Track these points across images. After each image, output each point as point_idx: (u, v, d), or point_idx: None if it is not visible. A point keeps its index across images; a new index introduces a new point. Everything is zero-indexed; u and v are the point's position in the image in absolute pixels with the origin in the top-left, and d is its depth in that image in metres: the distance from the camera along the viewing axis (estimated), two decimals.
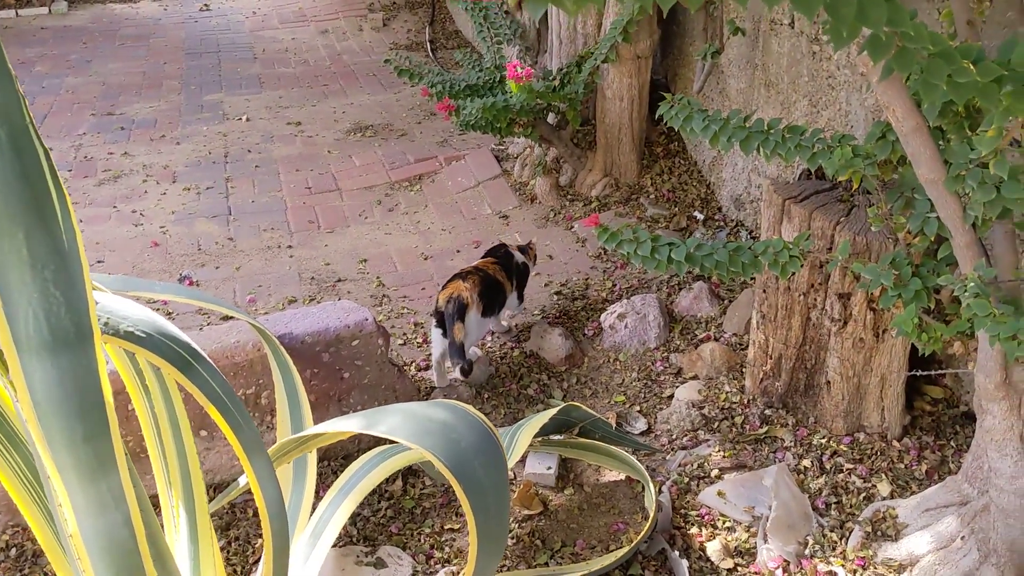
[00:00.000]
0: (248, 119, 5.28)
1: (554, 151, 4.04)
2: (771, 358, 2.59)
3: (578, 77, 3.60)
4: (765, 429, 2.59)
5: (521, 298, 3.12)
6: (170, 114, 5.40)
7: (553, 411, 2.36)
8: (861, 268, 1.94)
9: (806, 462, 2.47)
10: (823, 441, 2.52)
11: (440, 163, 4.42)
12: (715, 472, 2.47)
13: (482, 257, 3.10)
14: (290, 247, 3.80)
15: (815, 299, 2.41)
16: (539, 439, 2.50)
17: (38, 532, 1.66)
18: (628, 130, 3.79)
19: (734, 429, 2.62)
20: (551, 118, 3.88)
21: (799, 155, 1.96)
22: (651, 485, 2.27)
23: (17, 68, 6.32)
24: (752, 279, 3.23)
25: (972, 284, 1.54)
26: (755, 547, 2.23)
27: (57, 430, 1.27)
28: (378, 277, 3.56)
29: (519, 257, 3.08)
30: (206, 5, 8.29)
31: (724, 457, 2.52)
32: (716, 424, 2.64)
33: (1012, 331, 1.45)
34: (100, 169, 4.55)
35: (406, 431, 1.51)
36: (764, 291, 2.54)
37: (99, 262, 3.64)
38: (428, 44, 6.79)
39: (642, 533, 2.16)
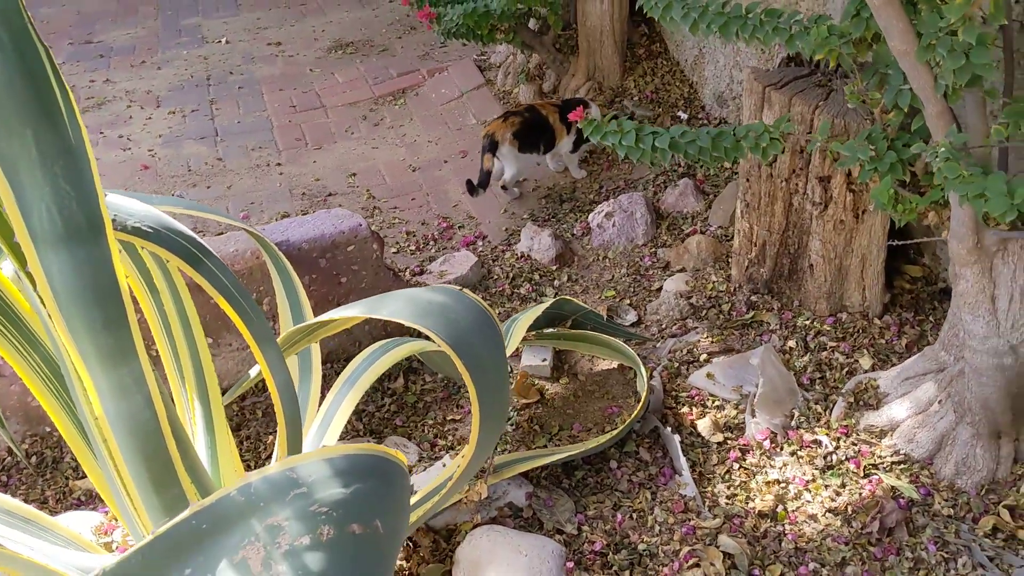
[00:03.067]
0: (227, 41, 5.25)
1: (536, 57, 4.05)
2: (756, 245, 2.67)
3: None
4: (751, 314, 2.68)
5: (576, 148, 3.45)
6: (148, 40, 5.36)
7: (546, 304, 2.44)
8: (839, 146, 2.00)
9: (791, 343, 2.56)
10: (807, 323, 2.61)
11: (423, 76, 4.42)
12: (703, 356, 2.57)
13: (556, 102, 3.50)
14: (279, 164, 3.83)
15: (796, 184, 2.48)
16: (533, 333, 2.58)
17: (60, 425, 1.74)
18: (610, 33, 3.80)
19: (721, 316, 2.71)
20: (532, 24, 3.88)
21: (777, 37, 2.01)
22: (642, 368, 2.36)
23: None
24: (735, 171, 3.29)
25: (943, 149, 1.60)
26: (743, 422, 2.33)
27: (77, 319, 1.34)
28: (368, 190, 3.61)
29: (594, 111, 3.38)
30: None
31: (712, 342, 2.61)
32: (704, 312, 2.73)
33: (979, 190, 1.52)
34: (83, 97, 4.54)
35: (408, 313, 1.59)
36: (747, 180, 2.60)
37: None
38: None
39: (635, 413, 2.26)
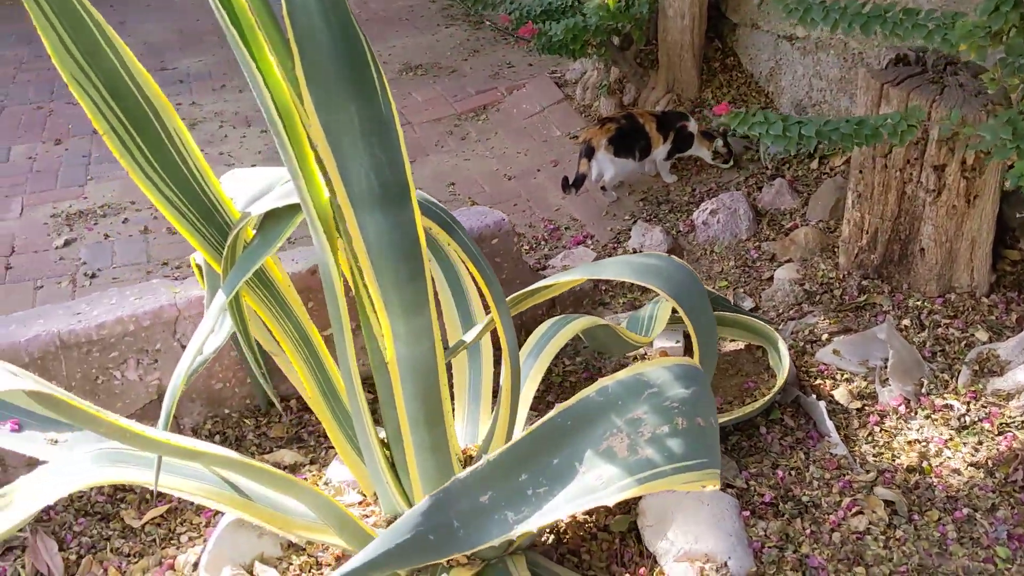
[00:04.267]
0: None
1: (615, 72, 4.28)
2: (867, 233, 2.88)
3: None
4: (864, 297, 2.88)
5: (670, 156, 3.68)
6: (220, 66, 5.58)
7: None
8: (974, 130, 2.21)
9: (905, 322, 2.76)
10: (918, 303, 2.81)
11: (501, 93, 4.65)
12: (824, 336, 2.77)
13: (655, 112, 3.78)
14: None
15: (911, 173, 2.69)
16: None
17: (308, 388, 1.93)
18: (689, 47, 4.04)
19: (834, 300, 2.91)
20: (614, 40, 4.11)
21: (916, 33, 2.23)
22: (780, 343, 2.55)
23: None
24: (824, 172, 3.52)
25: None
26: (875, 391, 2.53)
27: (386, 273, 1.53)
28: (470, 198, 3.81)
29: (692, 126, 3.65)
30: None
31: (831, 324, 2.81)
32: (817, 297, 2.93)
33: None
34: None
35: (630, 273, 1.79)
36: (860, 172, 2.81)
37: None
38: None
39: (779, 381, 2.45)
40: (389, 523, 1.91)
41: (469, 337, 1.69)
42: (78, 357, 2.38)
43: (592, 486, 1.15)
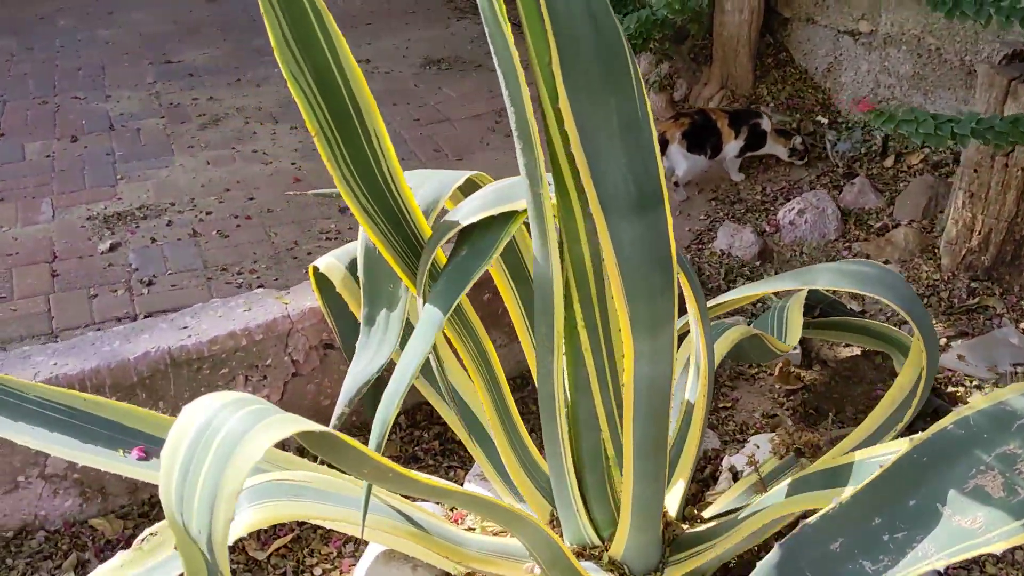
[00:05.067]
0: None
1: (665, 67, 4.17)
2: (979, 234, 2.80)
3: None
4: (976, 300, 2.81)
5: (741, 153, 3.57)
6: (229, 59, 5.34)
7: (803, 293, 2.54)
8: None
9: (1023, 325, 2.69)
10: None
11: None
12: (943, 341, 2.69)
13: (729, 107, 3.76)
14: None
15: None
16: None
17: (487, 405, 1.78)
18: (746, 42, 3.94)
19: (943, 303, 2.84)
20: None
21: None
22: (922, 342, 2.46)
23: (42, 23, 6.15)
24: (908, 169, 3.45)
25: None
26: None
27: (638, 284, 1.39)
28: None
29: (765, 123, 3.56)
30: None
31: (945, 328, 2.73)
32: (926, 299, 2.85)
33: None
34: (194, 115, 4.51)
35: (847, 282, 1.67)
36: (976, 171, 2.73)
37: (250, 199, 3.66)
38: None
39: (920, 387, 2.35)
40: (578, 554, 1.77)
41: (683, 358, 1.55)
42: (187, 375, 2.19)
43: (966, 531, 1.03)
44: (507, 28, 1.26)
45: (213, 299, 2.34)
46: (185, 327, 2.22)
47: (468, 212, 1.56)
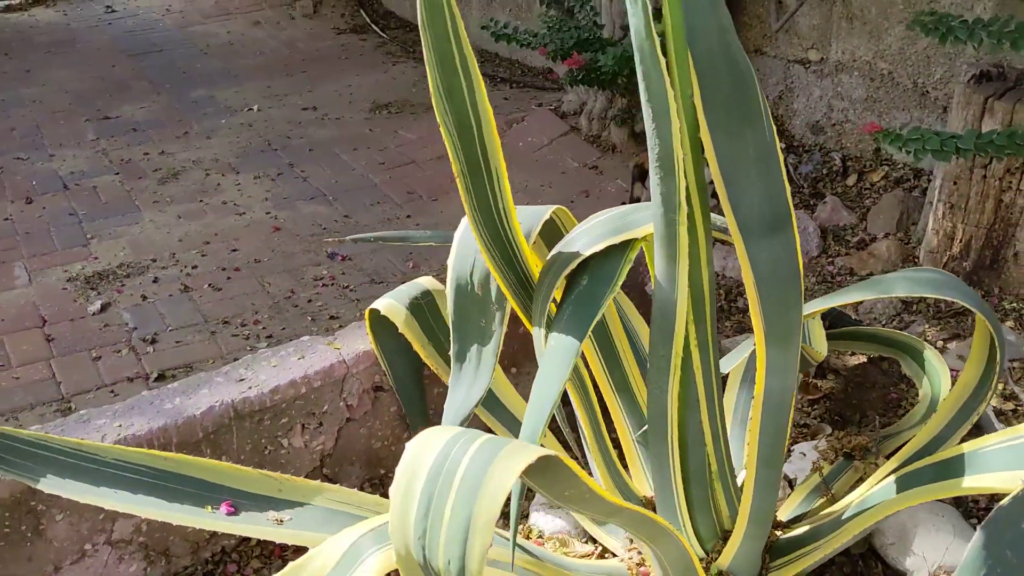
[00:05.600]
0: (259, 109, 5.23)
1: (621, 101, 4.32)
2: (960, 242, 3.01)
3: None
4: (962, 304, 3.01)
5: None
6: (170, 112, 5.26)
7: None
8: None
9: (1008, 323, 2.90)
10: (1013, 305, 2.96)
11: (501, 128, 4.59)
12: (940, 343, 2.86)
13: None
14: (409, 216, 3.90)
15: (1010, 182, 2.84)
16: None
17: (622, 432, 1.83)
18: None
19: (931, 308, 3.03)
20: None
21: None
22: (929, 349, 2.62)
23: None
24: (871, 187, 3.66)
25: None
26: (1014, 392, 2.63)
27: (773, 301, 1.47)
28: None
29: None
30: (109, 7, 7.91)
31: (939, 331, 2.92)
32: (915, 306, 3.04)
33: None
34: (150, 170, 4.43)
35: (924, 288, 1.80)
36: (955, 183, 2.94)
37: (233, 251, 3.61)
38: (374, 26, 6.86)
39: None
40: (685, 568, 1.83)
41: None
42: (249, 427, 2.16)
43: None
44: (663, 66, 1.33)
45: (262, 349, 2.32)
46: (243, 379, 2.19)
47: (588, 243, 1.62)
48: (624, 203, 3.45)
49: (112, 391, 2.79)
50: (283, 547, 2.22)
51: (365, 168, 4.37)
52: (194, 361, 2.93)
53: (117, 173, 4.39)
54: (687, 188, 1.49)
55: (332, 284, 3.37)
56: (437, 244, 2.62)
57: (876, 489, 1.75)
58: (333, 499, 1.93)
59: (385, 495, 2.34)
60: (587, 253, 1.60)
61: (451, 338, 1.86)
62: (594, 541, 2.06)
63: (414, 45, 6.32)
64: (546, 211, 1.87)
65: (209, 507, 1.86)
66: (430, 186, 4.17)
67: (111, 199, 4.11)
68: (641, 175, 3.55)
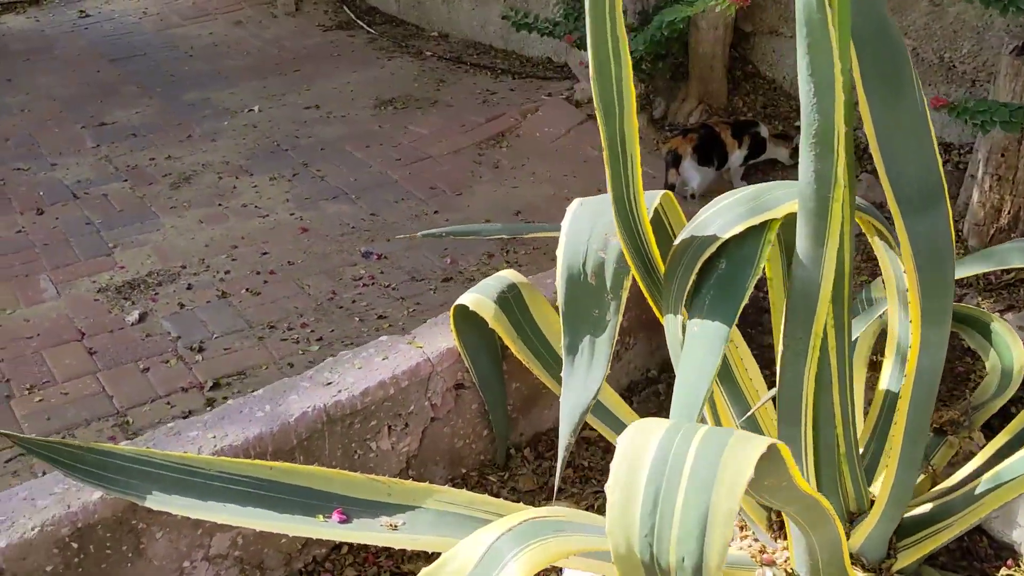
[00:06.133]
0: (260, 110, 5.12)
1: (641, 87, 4.29)
2: (1008, 214, 3.02)
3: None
4: (1012, 274, 3.02)
5: (745, 162, 3.74)
6: (166, 116, 5.13)
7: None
8: None
9: None
10: None
11: (515, 119, 4.55)
12: (995, 315, 2.87)
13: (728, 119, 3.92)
14: (436, 212, 3.84)
15: None
16: None
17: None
18: (720, 57, 4.11)
19: (981, 280, 3.04)
20: None
21: None
22: (997, 321, 2.62)
23: None
24: None
25: None
26: None
27: (930, 276, 1.45)
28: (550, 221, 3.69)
29: (763, 131, 3.73)
30: (83, 12, 7.72)
31: (993, 304, 2.93)
32: (965, 279, 3.04)
33: None
34: (159, 175, 4.32)
35: None
36: (1003, 155, 2.95)
37: (264, 254, 3.53)
38: (359, 22, 6.77)
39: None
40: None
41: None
42: (340, 431, 2.10)
43: None
44: (834, 39, 1.29)
45: (342, 352, 2.26)
46: (330, 383, 2.13)
47: (722, 225, 1.59)
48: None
49: (168, 402, 2.71)
50: (376, 553, 2.17)
51: (381, 165, 4.29)
52: (247, 367, 2.85)
53: (126, 180, 4.27)
54: (842, 165, 1.46)
55: (373, 283, 3.30)
56: (508, 236, 2.56)
57: (1011, 462, 1.74)
58: (443, 500, 1.88)
59: (473, 491, 2.29)
60: (725, 236, 1.57)
61: (562, 330, 1.81)
62: None
63: (405, 40, 6.24)
64: (656, 196, 1.83)
65: (320, 516, 1.81)
66: (450, 180, 4.11)
67: (126, 206, 3.99)
68: (675, 161, 3.53)
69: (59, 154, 4.64)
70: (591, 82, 1.44)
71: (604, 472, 2.36)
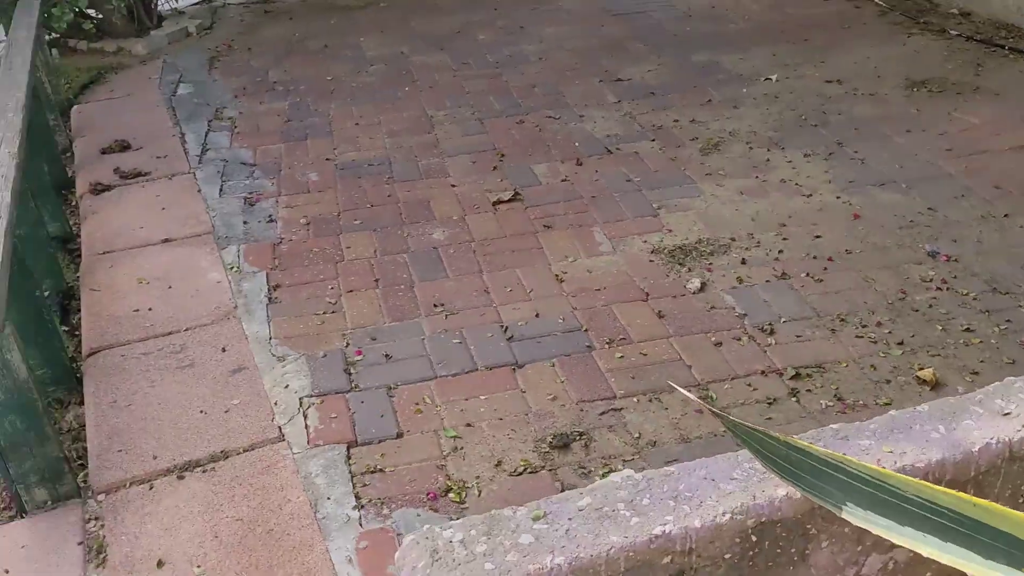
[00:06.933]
0: (777, 79, 4.93)
1: None
2: None
3: None
4: None
5: None
6: (679, 77, 5.09)
7: None
8: None
9: None
10: None
11: None
12: None
13: None
14: (1007, 216, 3.42)
15: None
16: None
17: None
18: None
19: None
20: None
21: None
22: None
23: (460, 37, 6.14)
24: None
25: None
26: None
27: None
28: None
29: None
30: None
31: None
32: None
33: None
34: (686, 138, 4.28)
35: None
36: None
37: (817, 237, 3.35)
38: None
39: None
40: None
41: None
42: (1016, 472, 1.85)
43: None
44: None
45: (1008, 377, 2.00)
46: (1007, 412, 1.88)
47: None
48: None
49: (748, 383, 2.63)
50: None
51: (929, 154, 3.93)
52: (825, 362, 2.70)
53: (653, 140, 4.29)
54: None
55: (946, 288, 3.00)
56: None
57: None
58: None
59: None
60: None
61: None
62: None
63: (919, 14, 5.73)
64: None
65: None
66: (1015, 180, 3.65)
67: (660, 168, 4.00)
68: None
69: (584, 106, 4.77)
70: None
71: None
